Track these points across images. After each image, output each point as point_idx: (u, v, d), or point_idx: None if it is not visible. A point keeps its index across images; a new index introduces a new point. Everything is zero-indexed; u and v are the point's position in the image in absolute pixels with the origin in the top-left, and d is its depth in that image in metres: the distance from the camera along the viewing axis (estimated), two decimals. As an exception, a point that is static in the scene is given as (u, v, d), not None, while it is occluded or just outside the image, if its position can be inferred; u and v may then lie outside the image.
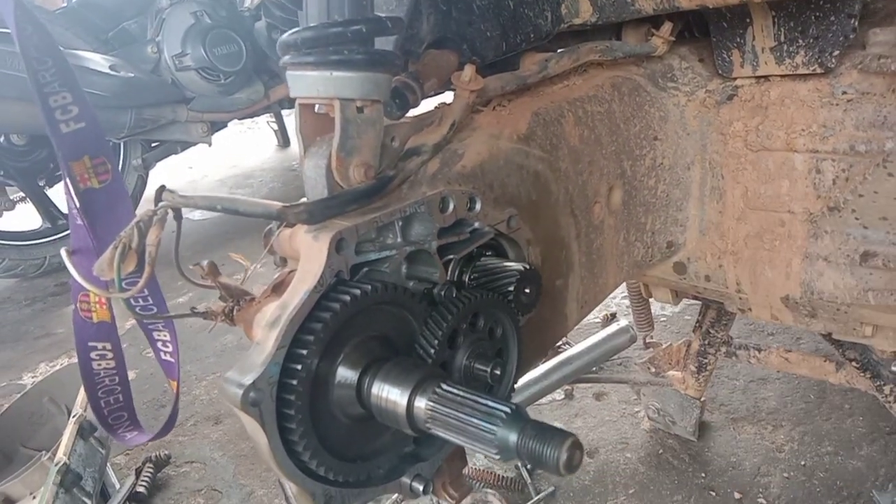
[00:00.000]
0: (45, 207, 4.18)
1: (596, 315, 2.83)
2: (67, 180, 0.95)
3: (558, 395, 2.32)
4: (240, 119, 4.58)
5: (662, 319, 2.77)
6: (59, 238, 4.16)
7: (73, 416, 1.91)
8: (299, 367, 0.73)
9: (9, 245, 3.99)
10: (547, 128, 1.08)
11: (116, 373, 1.04)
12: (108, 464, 2.16)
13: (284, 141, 6.85)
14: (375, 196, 0.84)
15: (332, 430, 0.80)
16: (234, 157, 6.77)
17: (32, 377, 2.98)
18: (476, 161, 0.96)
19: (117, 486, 2.12)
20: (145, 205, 0.80)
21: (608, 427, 2.16)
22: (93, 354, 1.03)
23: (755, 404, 2.17)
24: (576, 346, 2.12)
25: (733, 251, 1.29)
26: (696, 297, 1.50)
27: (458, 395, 0.75)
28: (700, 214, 1.32)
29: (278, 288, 0.86)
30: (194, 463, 2.24)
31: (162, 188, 0.80)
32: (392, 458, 0.89)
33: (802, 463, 1.92)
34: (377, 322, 0.82)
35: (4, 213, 4.23)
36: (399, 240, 0.85)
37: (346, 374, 0.79)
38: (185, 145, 4.43)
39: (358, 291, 0.76)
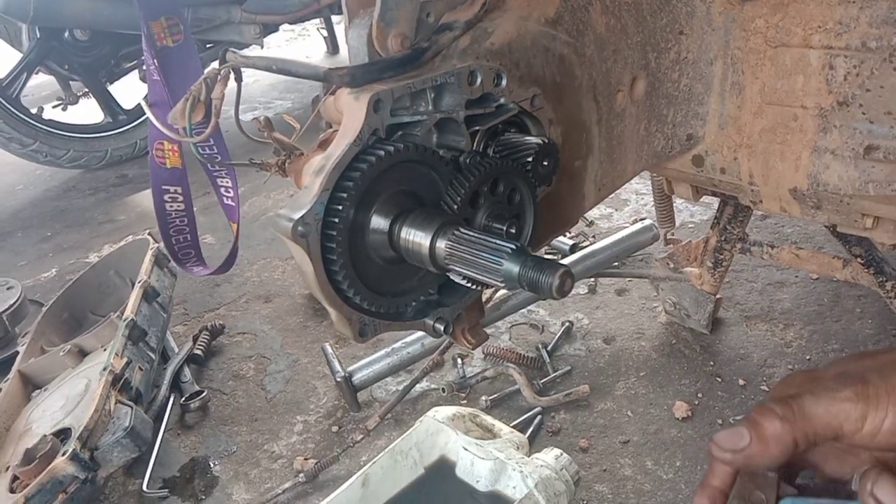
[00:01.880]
0: (107, 102, 4.35)
1: (626, 220, 2.91)
2: (146, 39, 1.08)
3: (582, 289, 2.43)
4: (291, 23, 4.64)
5: (691, 226, 2.83)
6: (119, 132, 4.35)
7: (139, 282, 2.11)
8: (340, 207, 0.84)
9: (73, 137, 4.16)
10: (574, 14, 1.15)
11: (185, 214, 1.18)
12: (168, 331, 2.38)
13: (334, 48, 6.86)
14: (410, 65, 0.93)
15: (368, 268, 0.92)
16: (285, 62, 6.84)
17: (98, 256, 3.19)
18: (504, 40, 1.04)
19: (176, 350, 2.34)
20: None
21: (626, 319, 2.27)
22: (166, 197, 1.18)
23: (770, 305, 2.25)
24: (601, 241, 2.21)
25: (748, 144, 1.35)
26: (712, 193, 1.58)
27: (472, 236, 0.86)
28: (720, 109, 1.38)
29: (323, 144, 0.99)
30: (246, 334, 2.42)
31: (226, 49, 0.92)
32: (419, 301, 1.02)
33: (808, 357, 2.01)
34: (408, 179, 0.92)
35: (69, 106, 4.44)
36: (430, 107, 0.95)
37: (379, 221, 0.91)
38: (239, 46, 4.51)
39: (392, 148, 0.86)
